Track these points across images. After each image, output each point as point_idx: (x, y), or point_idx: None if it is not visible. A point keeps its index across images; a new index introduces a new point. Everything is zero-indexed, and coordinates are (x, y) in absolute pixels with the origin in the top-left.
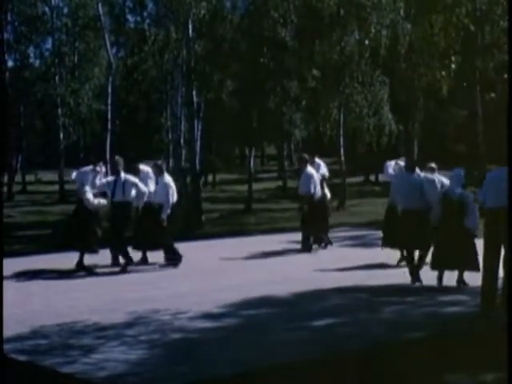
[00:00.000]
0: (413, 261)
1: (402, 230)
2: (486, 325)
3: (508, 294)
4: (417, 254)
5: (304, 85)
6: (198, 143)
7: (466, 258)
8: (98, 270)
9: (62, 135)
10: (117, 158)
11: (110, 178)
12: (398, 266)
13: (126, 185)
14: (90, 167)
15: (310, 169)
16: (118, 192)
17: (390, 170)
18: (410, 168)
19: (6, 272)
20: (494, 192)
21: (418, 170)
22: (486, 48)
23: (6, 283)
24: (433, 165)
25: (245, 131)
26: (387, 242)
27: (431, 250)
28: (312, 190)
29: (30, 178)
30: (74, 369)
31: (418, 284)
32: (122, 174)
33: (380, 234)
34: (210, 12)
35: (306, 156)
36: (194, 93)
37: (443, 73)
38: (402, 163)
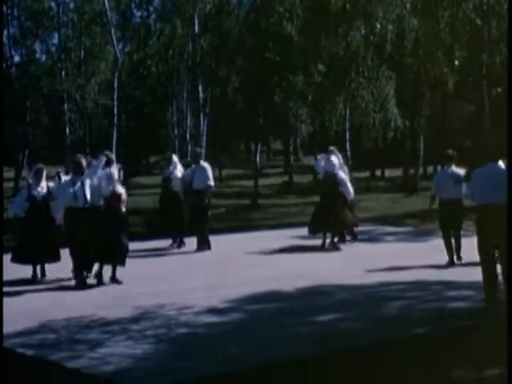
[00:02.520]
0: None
1: (445, 216)
2: (489, 320)
3: (508, 292)
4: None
5: (310, 80)
6: (204, 138)
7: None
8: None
9: (68, 130)
10: (198, 148)
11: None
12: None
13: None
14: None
15: (204, 162)
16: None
17: (321, 164)
18: (448, 161)
19: (14, 267)
20: (483, 188)
21: None
22: (492, 43)
23: (14, 277)
24: (331, 147)
25: (251, 126)
26: (314, 230)
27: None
28: (212, 183)
29: None
30: (80, 363)
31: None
32: (201, 163)
33: (386, 228)
34: (215, 7)
35: (199, 150)
36: (200, 88)
37: (449, 68)
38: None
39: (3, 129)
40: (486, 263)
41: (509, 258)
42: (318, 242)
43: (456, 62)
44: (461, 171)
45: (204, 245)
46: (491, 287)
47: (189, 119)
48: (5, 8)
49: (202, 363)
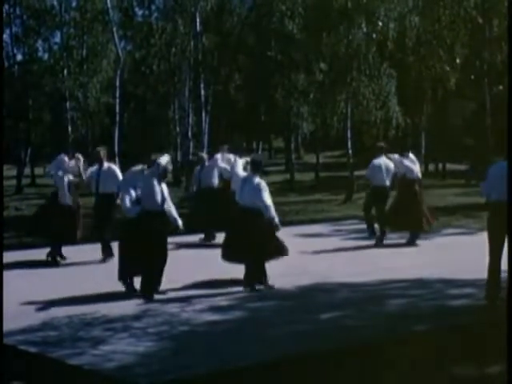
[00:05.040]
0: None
1: (373, 199)
2: (491, 317)
3: (508, 291)
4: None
5: (311, 78)
6: (206, 136)
7: None
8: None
9: (70, 128)
10: (99, 148)
11: (94, 168)
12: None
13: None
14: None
15: (109, 163)
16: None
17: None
18: (379, 152)
19: (19, 264)
20: (497, 185)
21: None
22: (493, 40)
23: (18, 275)
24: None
25: (252, 124)
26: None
27: None
28: None
29: (38, 170)
30: (82, 360)
31: None
32: (105, 164)
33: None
34: (217, 5)
35: (101, 149)
36: (202, 86)
37: (450, 66)
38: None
39: (3, 127)
40: (493, 260)
41: (509, 257)
42: (319, 240)
43: (457, 60)
44: (389, 161)
45: (107, 253)
46: (493, 284)
47: (190, 117)
48: (7, 6)
49: (204, 361)
